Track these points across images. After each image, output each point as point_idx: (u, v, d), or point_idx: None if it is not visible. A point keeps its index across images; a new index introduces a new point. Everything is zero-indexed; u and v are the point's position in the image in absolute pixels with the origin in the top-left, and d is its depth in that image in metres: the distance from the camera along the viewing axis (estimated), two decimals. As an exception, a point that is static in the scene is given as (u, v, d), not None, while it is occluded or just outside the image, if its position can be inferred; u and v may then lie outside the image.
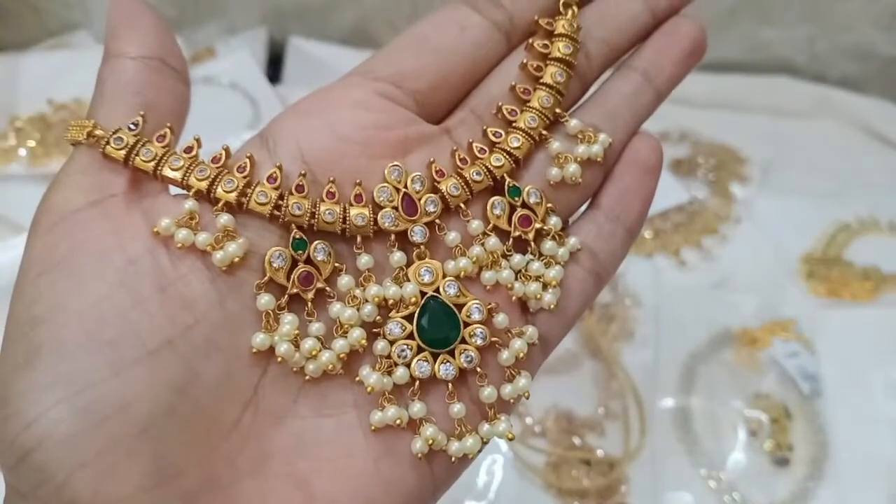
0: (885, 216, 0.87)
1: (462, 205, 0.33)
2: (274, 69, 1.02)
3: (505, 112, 0.34)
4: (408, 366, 0.31)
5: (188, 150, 0.31)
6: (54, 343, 0.27)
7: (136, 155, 0.30)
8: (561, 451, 0.67)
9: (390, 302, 0.32)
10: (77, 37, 1.00)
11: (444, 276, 0.32)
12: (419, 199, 0.32)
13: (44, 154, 0.84)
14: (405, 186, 0.32)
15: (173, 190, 0.31)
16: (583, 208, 0.36)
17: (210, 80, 0.95)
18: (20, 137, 0.85)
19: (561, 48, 0.34)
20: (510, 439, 0.32)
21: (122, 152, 0.30)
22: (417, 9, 0.96)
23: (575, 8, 0.36)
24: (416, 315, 0.31)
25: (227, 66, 0.97)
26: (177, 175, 0.30)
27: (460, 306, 0.32)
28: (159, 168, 0.30)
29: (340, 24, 1.03)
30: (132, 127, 0.30)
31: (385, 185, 0.32)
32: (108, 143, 0.30)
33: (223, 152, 0.31)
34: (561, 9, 0.35)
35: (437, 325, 0.31)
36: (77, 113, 0.87)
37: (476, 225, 0.33)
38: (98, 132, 0.30)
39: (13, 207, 0.79)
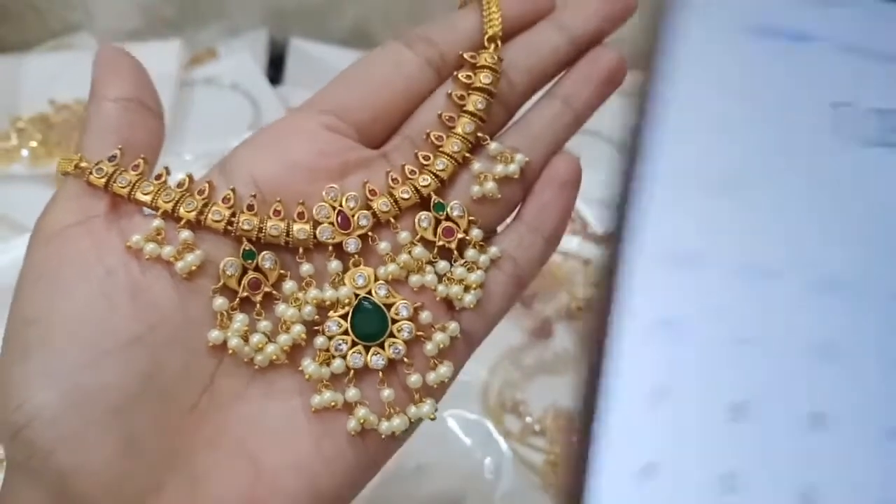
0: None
1: (392, 219, 0.40)
2: (275, 70, 1.08)
3: (433, 138, 0.41)
4: (344, 357, 0.39)
5: (158, 177, 0.39)
6: (43, 341, 0.35)
7: (114, 182, 0.38)
8: (560, 450, 0.72)
9: (328, 303, 0.39)
10: (79, 38, 1.05)
11: (376, 279, 0.40)
12: (353, 216, 0.39)
13: (46, 154, 0.88)
14: (340, 205, 0.39)
15: (148, 211, 0.39)
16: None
17: (211, 80, 1.01)
18: (22, 138, 0.90)
19: (482, 79, 0.41)
20: (432, 419, 0.40)
21: (103, 180, 0.38)
22: (417, 10, 1.01)
23: (498, 42, 0.42)
24: (350, 314, 0.39)
25: (229, 67, 1.02)
26: (147, 198, 0.38)
27: (390, 306, 0.39)
28: (133, 193, 0.38)
29: (341, 25, 1.08)
30: (111, 159, 0.38)
31: (323, 203, 0.39)
32: (91, 173, 0.38)
33: (187, 179, 0.39)
34: (486, 43, 0.42)
35: (369, 322, 0.39)
36: (79, 113, 0.91)
37: (404, 236, 0.40)
38: (83, 164, 0.38)
39: (15, 207, 0.83)
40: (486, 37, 0.42)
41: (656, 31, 0.37)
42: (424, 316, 0.40)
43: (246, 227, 0.38)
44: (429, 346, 0.39)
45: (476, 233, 0.41)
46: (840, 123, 0.37)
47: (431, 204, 0.40)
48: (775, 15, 0.37)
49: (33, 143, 0.90)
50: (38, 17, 1.06)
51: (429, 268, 0.40)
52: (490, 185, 0.41)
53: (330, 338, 0.39)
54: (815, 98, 0.37)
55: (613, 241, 0.35)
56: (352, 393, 0.39)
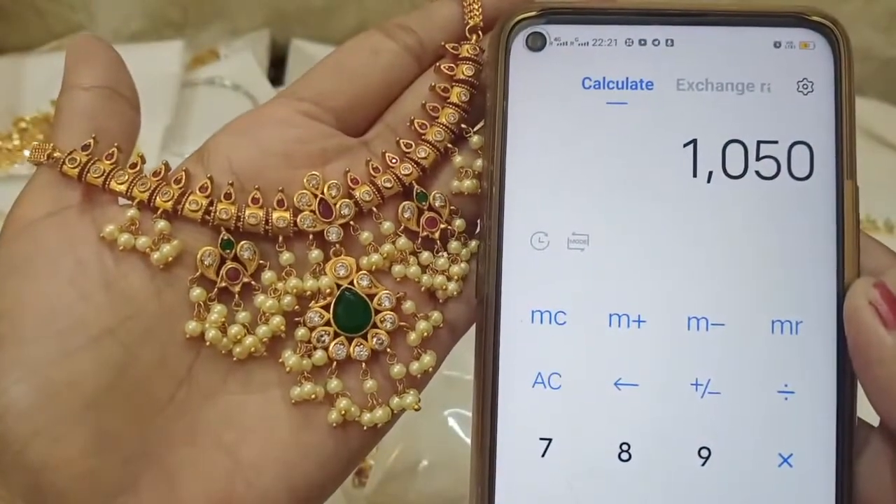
0: (881, 217, 0.92)
1: (375, 208, 0.39)
2: (276, 71, 1.08)
3: (416, 126, 0.40)
4: (326, 349, 0.38)
5: (132, 166, 0.38)
6: (13, 333, 0.34)
7: (88, 172, 0.37)
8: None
9: (309, 293, 0.38)
10: (80, 39, 1.05)
11: (359, 269, 0.39)
12: (334, 204, 0.38)
13: (47, 154, 0.89)
14: (322, 192, 0.38)
15: (124, 201, 0.38)
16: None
17: (213, 81, 1.02)
18: (24, 138, 0.91)
19: (465, 70, 0.40)
20: (416, 410, 0.39)
21: (76, 170, 0.37)
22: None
23: (480, 33, 0.41)
24: (332, 304, 0.38)
25: (230, 68, 1.03)
26: (122, 188, 0.37)
27: (372, 296, 0.39)
28: (107, 182, 0.37)
29: (342, 26, 1.08)
30: (85, 148, 0.37)
31: (304, 191, 0.38)
32: (64, 162, 0.37)
33: (162, 167, 0.38)
34: (467, 33, 0.41)
35: (351, 313, 0.38)
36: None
37: (387, 226, 0.39)
38: (56, 154, 0.37)
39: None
40: (468, 28, 0.42)
41: (495, 87, 0.39)
42: (407, 306, 0.39)
43: (223, 216, 0.37)
44: (412, 336, 0.39)
45: (459, 223, 0.40)
46: (695, 161, 0.38)
47: (414, 193, 0.40)
48: (607, 66, 0.39)
49: (35, 144, 0.88)
50: (40, 18, 1.07)
51: (412, 258, 0.39)
52: (467, 183, 0.40)
53: (311, 329, 0.38)
54: (665, 141, 0.38)
55: (482, 302, 0.38)
56: (334, 384, 0.38)
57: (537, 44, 0.39)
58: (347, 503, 0.72)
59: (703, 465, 0.36)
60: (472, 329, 0.40)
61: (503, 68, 0.39)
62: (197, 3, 1.09)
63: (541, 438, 0.37)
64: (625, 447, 0.36)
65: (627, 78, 0.39)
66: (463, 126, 0.41)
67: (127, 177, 0.38)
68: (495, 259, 0.38)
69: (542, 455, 0.37)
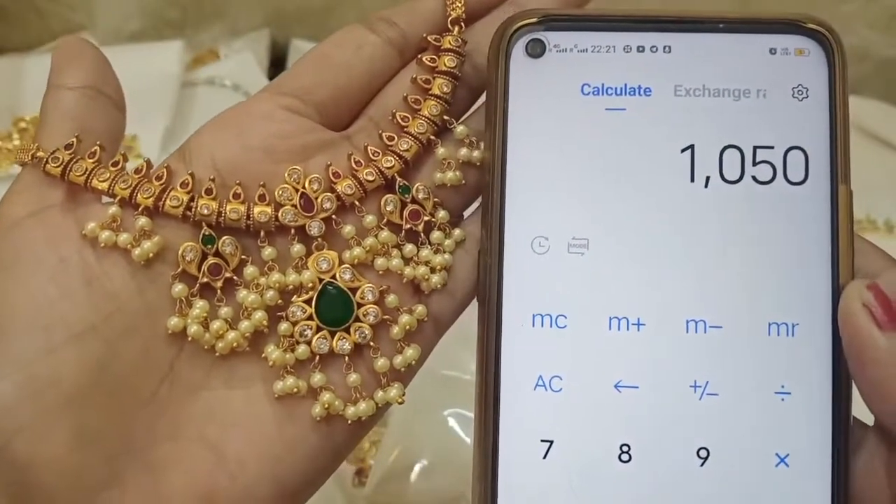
0: (881, 217, 0.93)
1: (357, 202, 0.39)
2: (276, 71, 1.08)
3: (398, 118, 0.40)
4: (309, 343, 0.38)
5: (115, 163, 0.38)
6: None
7: (70, 170, 0.37)
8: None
9: (291, 288, 0.39)
10: (81, 39, 1.06)
11: (341, 263, 0.39)
12: (316, 198, 0.39)
13: (48, 154, 0.89)
14: (303, 187, 0.39)
15: (107, 199, 0.38)
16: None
17: (213, 81, 1.02)
18: (24, 138, 0.91)
19: (446, 62, 0.41)
20: (399, 403, 0.39)
21: (59, 169, 0.37)
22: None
23: (462, 24, 0.42)
24: (314, 299, 0.39)
25: (230, 68, 1.04)
26: (104, 186, 0.37)
27: (355, 290, 0.39)
28: (89, 180, 0.37)
29: (342, 26, 1.06)
30: (67, 147, 0.38)
31: (285, 185, 0.39)
32: (47, 161, 0.37)
33: (144, 164, 0.38)
34: (449, 25, 0.42)
35: (334, 307, 0.39)
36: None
37: (370, 219, 0.39)
38: (40, 154, 0.37)
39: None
40: (450, 20, 0.42)
41: (495, 93, 0.40)
42: (391, 299, 0.39)
43: (205, 211, 0.38)
44: (395, 329, 0.39)
45: (442, 214, 0.41)
46: (692, 166, 0.39)
47: (396, 186, 0.40)
48: (606, 73, 0.40)
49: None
50: (40, 18, 1.07)
51: (395, 251, 0.40)
52: (449, 175, 0.41)
53: (294, 323, 0.38)
54: (663, 146, 0.39)
55: (483, 306, 0.38)
56: (317, 378, 0.38)
57: (537, 50, 0.40)
58: (347, 503, 0.72)
59: (702, 465, 0.37)
60: (473, 330, 0.40)
61: (503, 74, 0.40)
62: (197, 3, 1.10)
63: (542, 440, 0.37)
64: (625, 448, 0.37)
65: (626, 84, 0.39)
66: (446, 118, 0.41)
67: (109, 174, 0.38)
68: (496, 263, 0.39)
69: (544, 457, 0.37)
